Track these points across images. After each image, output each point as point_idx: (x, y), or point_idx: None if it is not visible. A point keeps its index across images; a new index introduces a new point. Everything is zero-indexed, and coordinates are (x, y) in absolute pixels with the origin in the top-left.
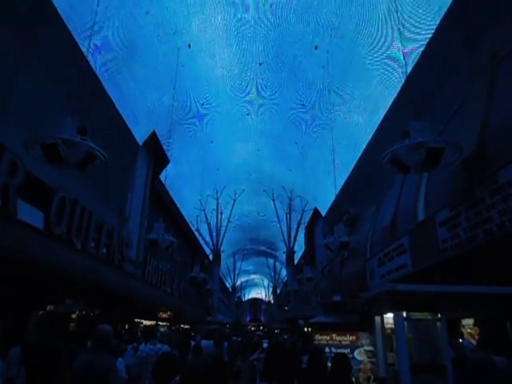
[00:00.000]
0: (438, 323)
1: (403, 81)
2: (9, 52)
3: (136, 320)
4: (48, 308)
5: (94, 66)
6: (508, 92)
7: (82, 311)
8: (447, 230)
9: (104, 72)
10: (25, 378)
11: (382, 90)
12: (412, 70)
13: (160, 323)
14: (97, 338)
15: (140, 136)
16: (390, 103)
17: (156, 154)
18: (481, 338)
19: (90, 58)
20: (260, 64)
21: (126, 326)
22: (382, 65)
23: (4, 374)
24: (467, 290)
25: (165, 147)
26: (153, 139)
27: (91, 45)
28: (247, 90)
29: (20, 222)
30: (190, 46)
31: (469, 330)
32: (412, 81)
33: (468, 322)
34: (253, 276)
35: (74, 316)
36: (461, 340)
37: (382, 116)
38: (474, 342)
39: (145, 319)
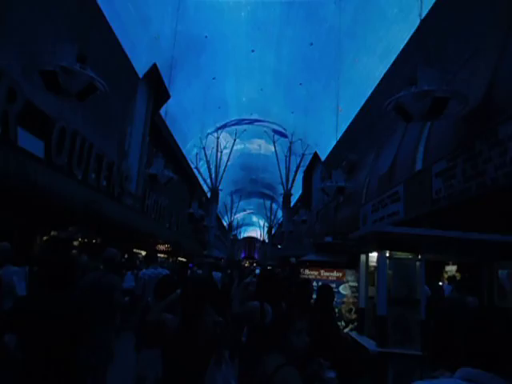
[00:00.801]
0: (418, 263)
1: (418, 24)
2: None
3: (135, 250)
4: (52, 234)
5: None
6: None
7: (84, 238)
8: (442, 180)
9: None
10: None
11: (395, 32)
12: (428, 13)
13: (158, 255)
14: (105, 259)
15: (140, 68)
16: (401, 47)
17: (157, 87)
18: (458, 281)
19: None
20: None
21: (126, 256)
22: (398, 5)
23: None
24: (446, 235)
25: (166, 81)
26: (153, 72)
27: None
28: (254, 24)
29: (21, 149)
30: None
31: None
32: (426, 24)
33: (451, 268)
34: (249, 215)
35: (75, 243)
36: (440, 283)
37: (392, 60)
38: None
39: (143, 250)
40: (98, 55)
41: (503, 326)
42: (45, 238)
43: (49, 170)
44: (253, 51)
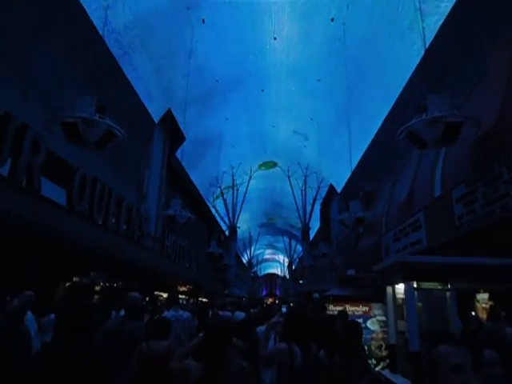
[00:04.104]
0: (448, 293)
1: (422, 53)
2: (28, 33)
3: (156, 293)
4: (74, 280)
5: (109, 44)
6: None
7: (106, 283)
8: (463, 205)
9: (119, 49)
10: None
11: (400, 63)
12: (432, 43)
13: (179, 296)
14: (127, 305)
15: (155, 113)
16: (408, 77)
17: (172, 131)
18: (492, 309)
19: (105, 36)
20: (275, 38)
21: (147, 298)
22: (401, 37)
23: (39, 339)
24: (476, 262)
25: (180, 124)
26: (168, 116)
27: (107, 23)
28: (262, 65)
29: (44, 198)
30: (203, 20)
31: (483, 305)
32: (431, 54)
33: (483, 296)
34: (269, 251)
35: (97, 288)
36: (473, 313)
37: (400, 90)
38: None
39: (164, 292)
40: (115, 105)
41: None
42: (67, 284)
43: (70, 217)
44: (263, 90)
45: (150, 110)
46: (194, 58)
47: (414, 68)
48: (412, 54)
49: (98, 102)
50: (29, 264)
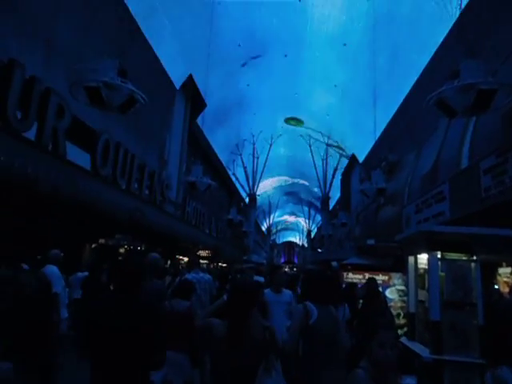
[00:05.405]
0: (473, 264)
1: (457, 15)
2: None
3: (177, 257)
4: (100, 241)
5: (130, 6)
6: None
7: (130, 246)
8: (491, 177)
9: (140, 11)
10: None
11: (432, 26)
12: (467, 4)
13: (199, 261)
14: (148, 265)
15: (177, 79)
16: (440, 41)
17: (193, 97)
18: None
19: None
20: (300, 0)
21: (169, 262)
22: None
23: (69, 296)
24: (504, 234)
25: (201, 90)
26: (190, 82)
27: None
28: (286, 28)
29: (70, 162)
30: None
31: (505, 279)
32: (466, 15)
33: (505, 270)
34: (288, 220)
35: (121, 250)
36: (496, 286)
37: (431, 55)
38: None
39: (185, 256)
40: (137, 69)
41: None
42: (93, 245)
43: (95, 181)
44: (286, 56)
45: (170, 76)
46: (215, 21)
47: (447, 31)
48: (446, 16)
49: (119, 66)
50: (57, 226)
